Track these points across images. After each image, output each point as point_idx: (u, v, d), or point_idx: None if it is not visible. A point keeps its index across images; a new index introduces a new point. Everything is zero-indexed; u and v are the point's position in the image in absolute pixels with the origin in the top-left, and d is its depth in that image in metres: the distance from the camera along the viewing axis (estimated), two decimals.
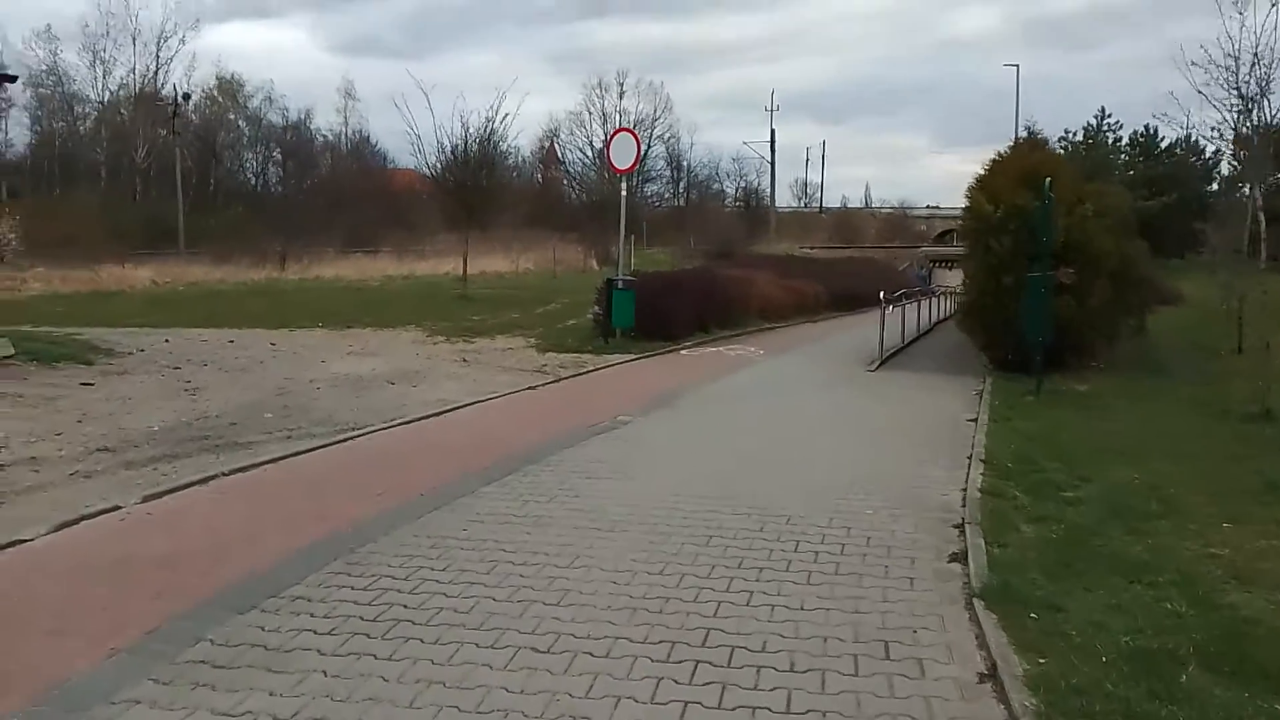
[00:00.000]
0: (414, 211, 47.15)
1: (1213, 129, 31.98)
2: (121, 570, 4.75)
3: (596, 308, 16.79)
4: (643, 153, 53.90)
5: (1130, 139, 45.46)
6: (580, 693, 3.50)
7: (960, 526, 5.70)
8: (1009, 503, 6.24)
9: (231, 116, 62.75)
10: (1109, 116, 45.39)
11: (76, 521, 5.48)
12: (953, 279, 33.20)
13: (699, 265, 29.27)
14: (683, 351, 16.12)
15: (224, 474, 6.66)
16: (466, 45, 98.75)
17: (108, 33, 56.87)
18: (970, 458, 7.62)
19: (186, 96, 53.54)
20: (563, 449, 7.84)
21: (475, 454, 7.62)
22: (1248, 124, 29.48)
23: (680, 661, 3.77)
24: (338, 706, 3.39)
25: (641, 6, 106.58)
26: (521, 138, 70.98)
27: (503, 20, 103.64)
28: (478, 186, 25.16)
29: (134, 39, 57.61)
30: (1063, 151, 33.40)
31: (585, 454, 7.74)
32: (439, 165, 25.71)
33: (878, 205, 75.72)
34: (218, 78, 61.15)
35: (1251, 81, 28.31)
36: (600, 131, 66.96)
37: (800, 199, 79.58)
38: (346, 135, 67.34)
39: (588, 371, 13.25)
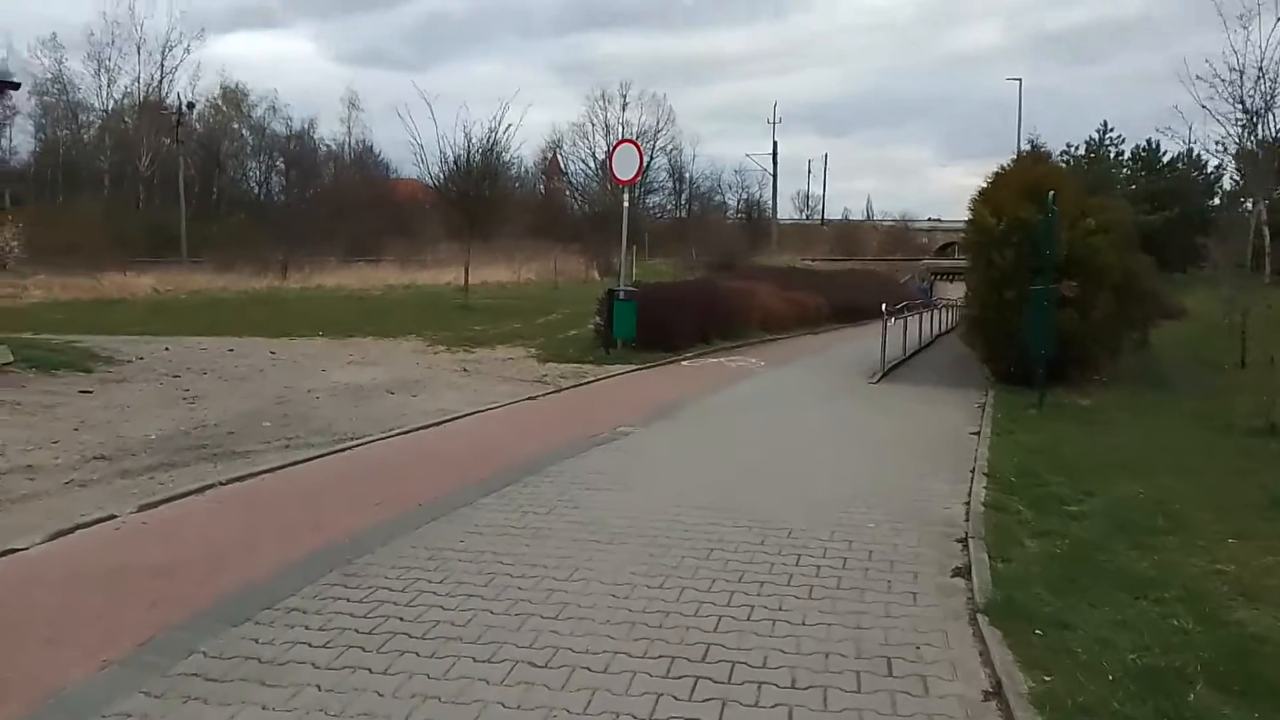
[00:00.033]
0: (416, 221, 47.17)
1: (1217, 143, 31.96)
2: (116, 580, 4.71)
3: (598, 318, 16.75)
4: (645, 164, 53.91)
5: (1132, 153, 45.44)
6: (578, 709, 3.45)
7: (963, 541, 5.65)
8: (1012, 517, 6.18)
9: (235, 125, 62.93)
10: (1111, 130, 45.42)
11: (71, 530, 5.44)
12: (954, 292, 33.18)
13: (700, 276, 29.28)
14: (684, 362, 16.08)
15: (221, 483, 6.61)
16: (471, 56, 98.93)
17: (113, 41, 57.07)
18: (973, 471, 7.57)
19: (190, 105, 53.81)
20: (563, 460, 7.79)
21: (474, 464, 7.57)
22: (1252, 138, 29.46)
23: (680, 677, 3.72)
24: None
25: (646, 19, 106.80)
26: (524, 148, 70.88)
27: (507, 31, 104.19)
28: (480, 197, 25.18)
29: (139, 48, 57.81)
30: (1065, 165, 33.38)
31: (585, 465, 7.69)
32: (442, 175, 25.75)
33: (879, 218, 75.78)
34: (222, 87, 61.43)
35: (1256, 95, 28.30)
36: (603, 143, 67.19)
37: (802, 211, 79.73)
38: (350, 145, 67.60)
39: (588, 382, 13.21)
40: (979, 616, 4.35)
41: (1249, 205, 32.78)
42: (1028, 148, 30.33)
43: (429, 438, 8.82)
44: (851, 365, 16.18)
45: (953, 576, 5.05)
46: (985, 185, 14.43)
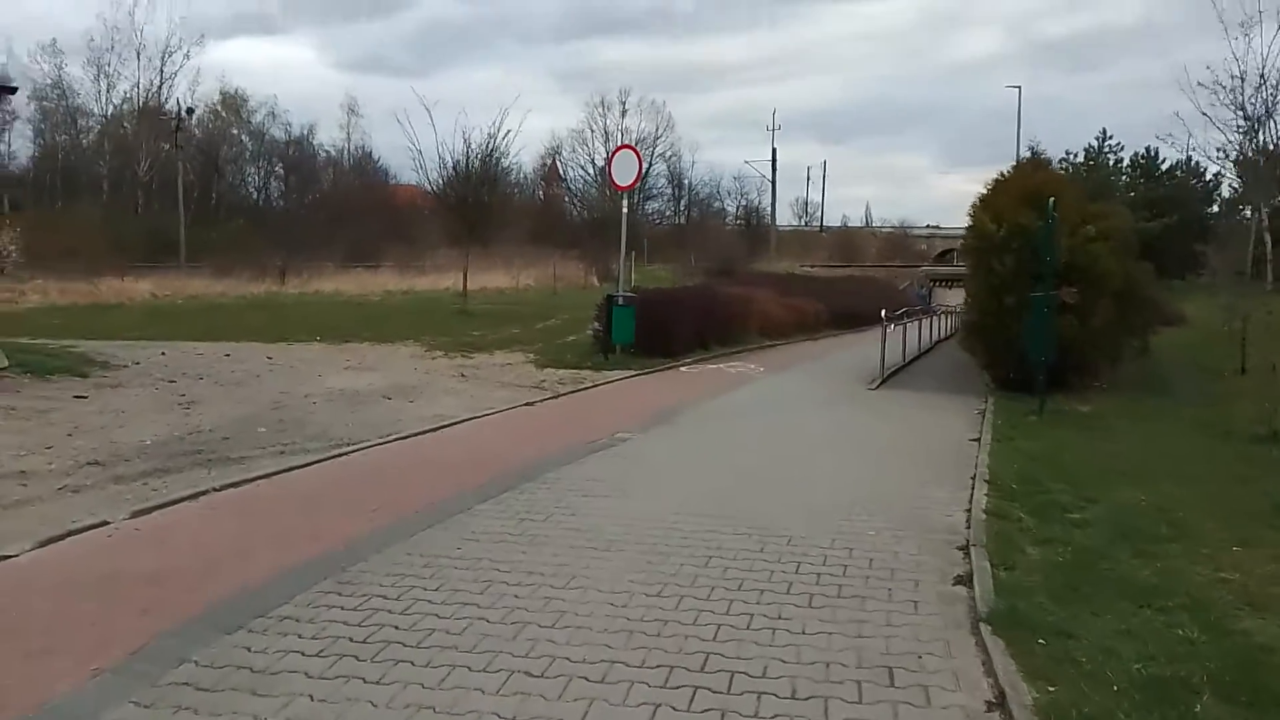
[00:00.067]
0: (415, 227, 47.16)
1: (1218, 149, 31.97)
2: (108, 587, 4.65)
3: (596, 324, 16.72)
4: (644, 170, 53.93)
5: (1131, 160, 45.43)
6: (575, 719, 3.39)
7: (965, 548, 5.60)
8: (1014, 524, 6.13)
9: (234, 131, 62.91)
10: (1110, 138, 45.42)
11: (63, 537, 5.38)
12: (953, 298, 33.19)
13: (699, 282, 29.23)
14: (683, 368, 16.03)
15: (215, 489, 6.55)
16: (472, 63, 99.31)
17: (112, 47, 57.06)
18: (974, 478, 7.52)
19: (190, 111, 53.79)
20: (560, 466, 7.74)
21: (471, 470, 7.51)
22: (1253, 144, 29.48)
23: (678, 687, 3.66)
24: None
25: (646, 26, 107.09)
26: (524, 155, 71.36)
27: (507, 38, 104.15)
28: (479, 202, 25.16)
29: (138, 53, 57.78)
30: (1064, 172, 33.37)
31: (583, 471, 7.63)
32: (441, 181, 25.74)
33: (878, 224, 75.95)
34: (221, 92, 61.43)
35: (1257, 102, 28.33)
36: (602, 149, 67.24)
37: (801, 218, 79.71)
38: (349, 151, 67.63)
39: (587, 388, 13.16)
40: (981, 625, 4.30)
41: (1247, 213, 32.80)
42: (1028, 155, 30.38)
43: (426, 443, 8.77)
44: (850, 371, 16.14)
45: (954, 585, 4.99)
46: (985, 192, 14.44)
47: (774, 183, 65.89)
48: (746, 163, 79.55)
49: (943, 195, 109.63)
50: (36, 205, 49.34)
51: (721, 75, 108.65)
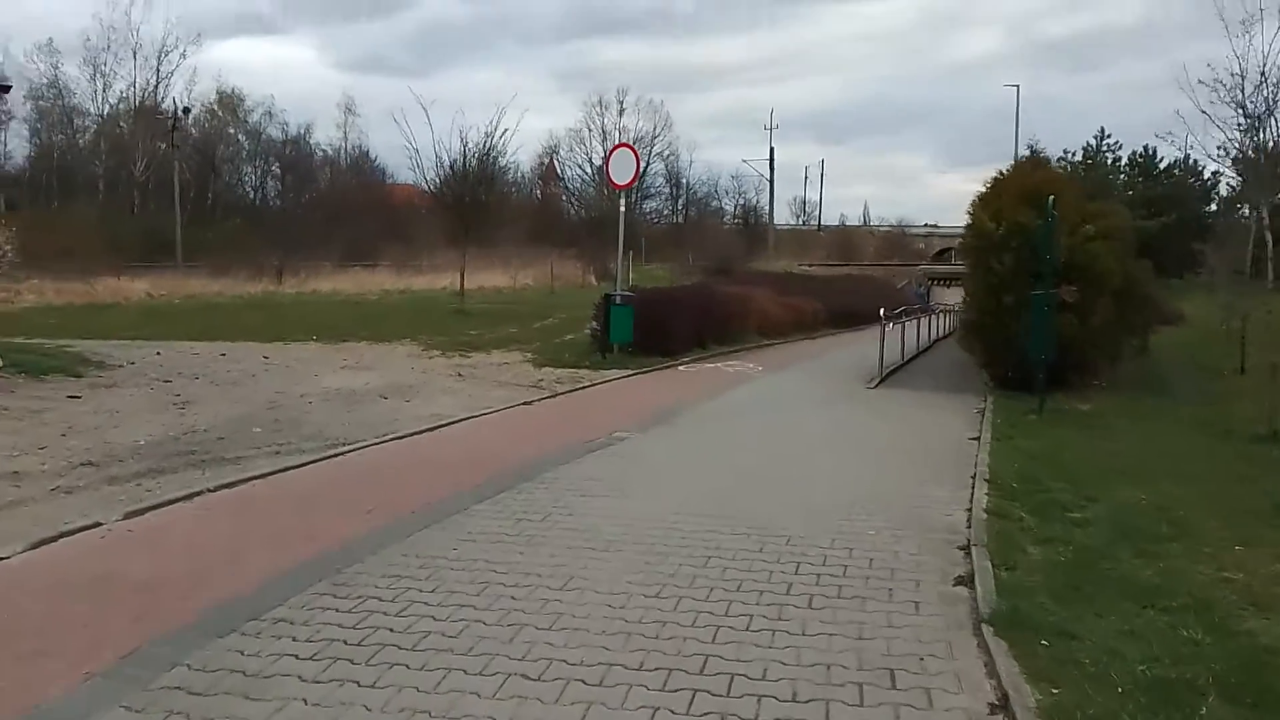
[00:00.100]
0: (413, 226, 47.07)
1: (1218, 147, 31.98)
2: (100, 590, 4.60)
3: (594, 323, 16.68)
4: (642, 169, 53.90)
5: (1129, 159, 45.49)
6: None
7: (965, 548, 5.55)
8: (1015, 524, 6.08)
9: (231, 130, 62.78)
10: (1108, 137, 45.46)
11: (56, 539, 5.32)
12: (951, 297, 33.17)
13: (697, 281, 29.18)
14: (681, 367, 15.99)
15: (209, 490, 6.49)
16: (472, 63, 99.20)
17: (108, 46, 56.84)
18: (974, 477, 7.47)
19: (186, 110, 53.59)
20: (558, 466, 7.69)
21: (468, 470, 7.46)
22: (1253, 141, 29.49)
23: (677, 690, 3.61)
24: None
25: (646, 26, 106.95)
26: (522, 154, 70.93)
27: (507, 38, 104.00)
28: (476, 201, 25.13)
29: (135, 53, 57.53)
30: (1062, 171, 33.38)
31: (581, 471, 7.58)
32: (438, 180, 25.71)
33: (876, 223, 75.91)
34: (218, 92, 61.25)
35: (1258, 100, 28.35)
36: (600, 148, 67.02)
37: (799, 217, 79.72)
38: (346, 150, 67.51)
39: (585, 387, 13.10)
40: (983, 626, 4.25)
41: (1245, 211, 32.82)
42: (1026, 154, 30.35)
43: (422, 443, 8.71)
44: (849, 370, 16.11)
45: (955, 585, 4.95)
46: (985, 190, 14.37)
47: (772, 182, 65.94)
48: (744, 162, 79.39)
49: (941, 194, 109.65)
50: (32, 205, 49.23)
51: (721, 75, 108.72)
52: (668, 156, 70.66)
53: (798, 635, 4.19)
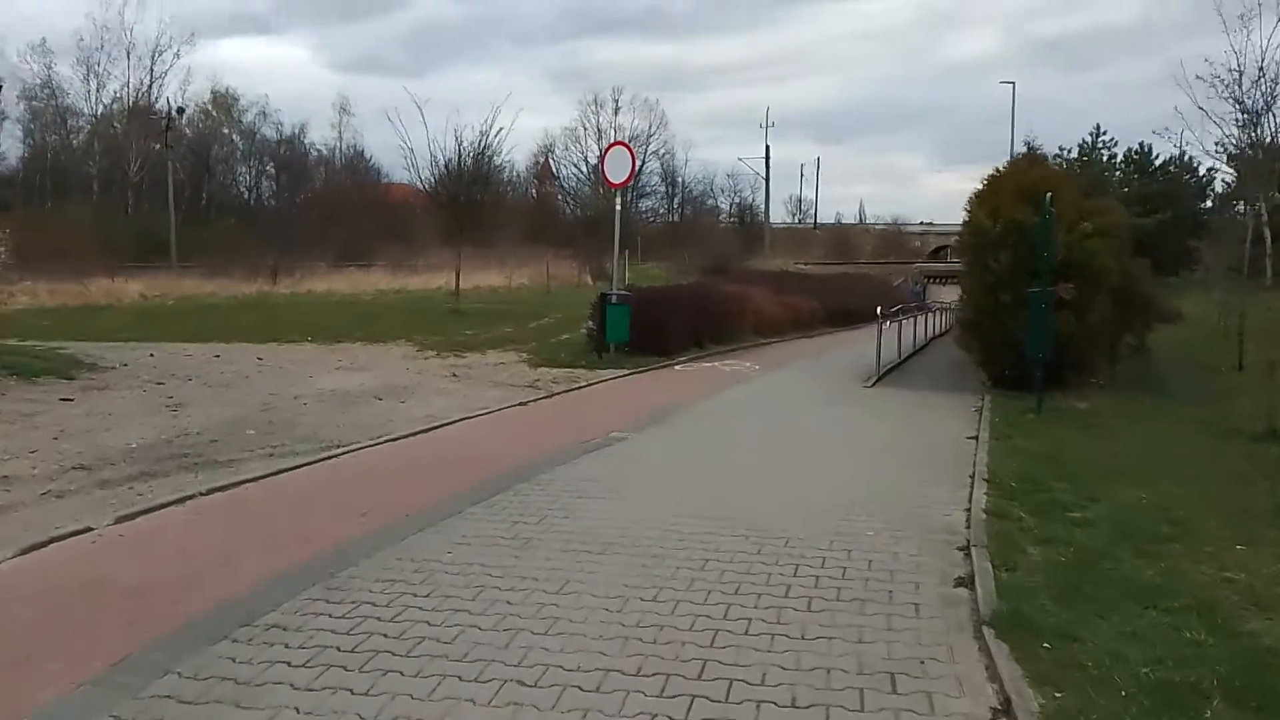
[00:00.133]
0: (408, 226, 46.96)
1: (1216, 143, 31.96)
2: (90, 596, 4.55)
3: (590, 323, 16.62)
4: (637, 167, 53.83)
5: (1124, 156, 45.51)
6: None
7: (965, 549, 5.51)
8: (1014, 524, 6.04)
9: (225, 130, 62.61)
10: (1104, 134, 45.48)
11: (46, 544, 5.28)
12: (947, 295, 33.13)
13: (694, 280, 29.13)
14: (677, 367, 15.93)
15: (202, 493, 6.43)
16: (467, 62, 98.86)
17: (102, 46, 56.69)
18: (972, 477, 7.43)
19: (180, 110, 53.38)
20: (554, 467, 7.63)
21: (463, 472, 7.41)
22: (1251, 136, 29.49)
23: (675, 696, 3.56)
24: None
25: (641, 25, 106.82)
26: (517, 153, 70.89)
27: (502, 38, 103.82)
28: (471, 201, 25.03)
29: (128, 53, 57.37)
30: (1059, 169, 33.37)
31: (577, 472, 7.53)
32: (433, 179, 25.59)
33: (872, 221, 75.85)
34: (212, 92, 61.10)
35: (1256, 95, 28.35)
36: (595, 147, 66.83)
37: (795, 215, 79.74)
38: (341, 150, 67.32)
39: (581, 387, 13.04)
40: (984, 629, 4.21)
41: (1240, 208, 32.83)
42: (1023, 151, 30.32)
43: (417, 445, 8.65)
44: (846, 369, 16.07)
45: (956, 586, 4.90)
46: (981, 188, 14.32)
47: (767, 180, 66.04)
48: (740, 160, 79.34)
49: (937, 193, 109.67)
50: (26, 206, 49.02)
51: (717, 74, 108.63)
52: (663, 155, 70.60)
53: (797, 639, 4.14)
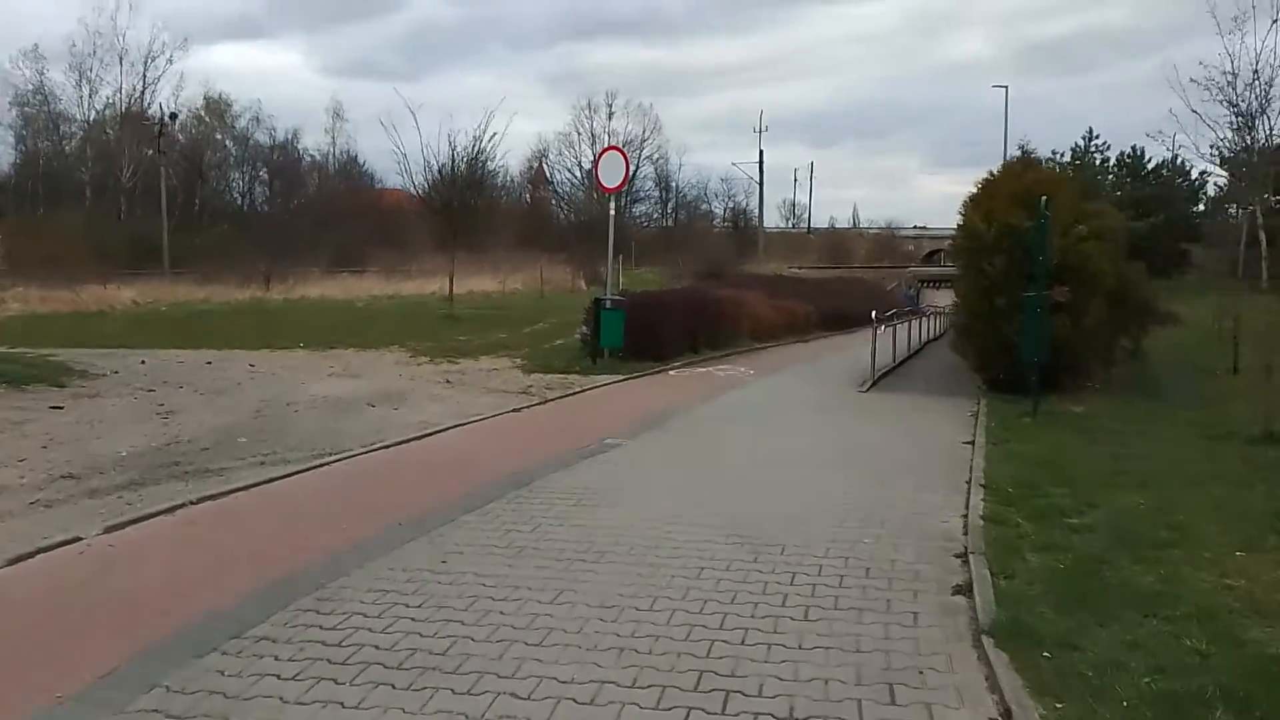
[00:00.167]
0: (401, 231, 46.87)
1: (1211, 146, 32.03)
2: (78, 607, 4.49)
3: (584, 328, 16.56)
4: (631, 172, 53.81)
5: (1117, 159, 45.55)
6: None
7: (963, 556, 5.45)
8: (1013, 530, 5.98)
9: (218, 136, 62.49)
10: (1096, 137, 45.51)
11: (33, 554, 5.20)
12: (941, 299, 33.20)
13: (688, 285, 29.11)
14: (672, 372, 15.89)
15: (192, 502, 6.36)
16: (461, 67, 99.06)
17: (94, 52, 56.58)
18: (969, 482, 7.37)
19: (173, 116, 53.27)
20: (548, 474, 7.58)
21: (456, 479, 7.35)
22: (1246, 139, 29.57)
23: (671, 708, 3.50)
24: None
25: (636, 29, 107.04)
26: (511, 158, 71.07)
27: (497, 42, 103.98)
28: (465, 206, 25.00)
29: (121, 59, 57.33)
30: (1053, 171, 33.42)
31: (571, 479, 7.47)
32: (426, 184, 25.57)
33: (866, 225, 76.01)
34: (205, 97, 61.00)
35: (1250, 97, 28.42)
36: (589, 152, 66.84)
37: (788, 219, 79.82)
38: (334, 155, 67.25)
39: (575, 393, 12.98)
40: (984, 638, 4.15)
41: (1233, 211, 32.91)
42: (1016, 154, 30.37)
43: (410, 452, 8.59)
44: (841, 373, 16.03)
45: (954, 594, 4.85)
46: (976, 191, 14.30)
47: (761, 184, 66.09)
48: (734, 165, 79.36)
49: (930, 196, 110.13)
50: (18, 212, 48.87)
51: (710, 79, 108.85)
52: (657, 160, 70.64)
53: (794, 649, 4.08)
